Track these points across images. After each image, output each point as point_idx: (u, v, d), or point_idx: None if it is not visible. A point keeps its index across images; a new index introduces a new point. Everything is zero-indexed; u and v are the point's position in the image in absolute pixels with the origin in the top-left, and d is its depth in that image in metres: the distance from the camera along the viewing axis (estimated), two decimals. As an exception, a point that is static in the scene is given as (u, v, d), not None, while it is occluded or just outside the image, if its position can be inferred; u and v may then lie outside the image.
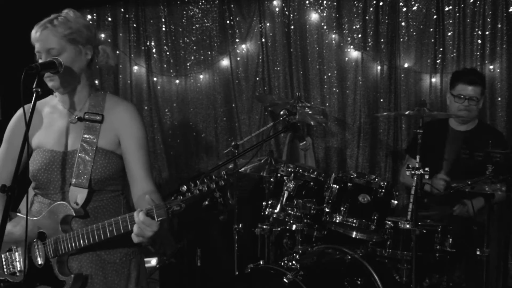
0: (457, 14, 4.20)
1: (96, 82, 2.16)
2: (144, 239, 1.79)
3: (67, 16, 2.00)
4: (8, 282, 2.07)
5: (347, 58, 4.47)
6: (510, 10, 4.11)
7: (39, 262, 1.99)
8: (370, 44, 4.38)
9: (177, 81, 4.80)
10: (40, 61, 1.96)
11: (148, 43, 4.76)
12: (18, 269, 2.05)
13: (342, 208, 3.06)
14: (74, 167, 1.98)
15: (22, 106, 1.85)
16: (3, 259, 2.09)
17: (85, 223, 1.99)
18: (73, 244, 1.91)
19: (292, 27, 4.53)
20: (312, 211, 3.05)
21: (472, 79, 3.50)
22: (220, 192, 1.70)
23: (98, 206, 2.04)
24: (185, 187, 1.71)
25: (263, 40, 4.59)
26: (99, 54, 2.08)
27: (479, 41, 4.17)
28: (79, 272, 1.98)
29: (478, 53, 4.17)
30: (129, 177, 2.07)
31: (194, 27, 4.71)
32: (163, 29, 4.74)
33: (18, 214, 2.12)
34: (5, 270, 2.08)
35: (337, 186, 3.14)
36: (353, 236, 3.25)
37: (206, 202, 1.74)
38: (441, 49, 4.26)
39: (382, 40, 4.36)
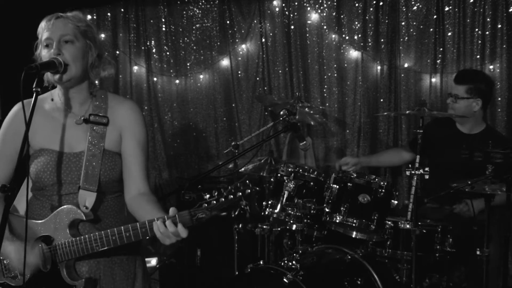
0: (457, 14, 4.20)
1: (96, 82, 2.14)
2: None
3: (77, 13, 2.02)
4: (8, 285, 2.04)
5: (347, 58, 4.47)
6: (510, 10, 4.11)
7: (46, 266, 1.96)
8: (370, 44, 4.39)
9: (177, 81, 4.80)
10: (45, 51, 1.95)
11: (148, 43, 4.76)
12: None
13: (342, 208, 3.06)
14: (82, 170, 1.97)
15: (22, 106, 1.81)
16: (4, 262, 2.04)
17: (92, 226, 1.99)
18: (85, 248, 1.89)
19: (292, 27, 4.53)
20: (312, 211, 3.05)
21: (458, 77, 3.57)
22: (246, 201, 1.66)
23: (104, 207, 2.04)
24: (208, 195, 1.68)
25: (263, 40, 4.59)
26: (102, 60, 2.06)
27: (479, 41, 4.17)
28: (89, 276, 1.97)
29: (478, 53, 4.17)
30: (126, 175, 2.06)
31: (194, 27, 4.72)
32: (163, 29, 4.74)
33: (17, 215, 2.08)
34: (4, 273, 2.04)
35: (337, 186, 3.14)
36: (353, 236, 3.25)
37: (236, 213, 1.69)
38: (441, 49, 4.26)
39: (382, 40, 4.36)
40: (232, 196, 1.66)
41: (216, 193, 1.69)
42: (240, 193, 1.66)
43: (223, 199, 1.67)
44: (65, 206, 1.96)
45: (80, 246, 1.90)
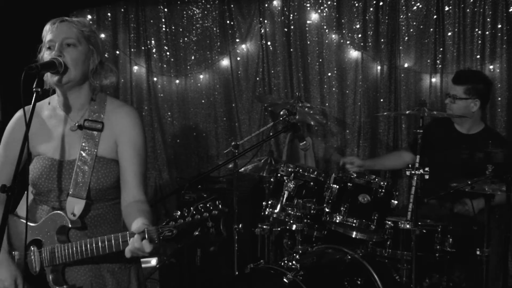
0: (457, 14, 4.20)
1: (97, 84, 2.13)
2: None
3: (83, 19, 2.03)
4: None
5: (347, 58, 4.46)
6: (510, 10, 4.11)
7: (35, 269, 1.96)
8: (370, 44, 4.38)
9: (177, 81, 4.80)
10: (47, 53, 1.95)
11: (148, 43, 4.76)
12: None
13: (342, 208, 3.07)
14: (72, 177, 1.96)
15: (22, 107, 1.81)
16: None
17: (83, 234, 1.97)
18: (67, 255, 1.89)
19: (292, 27, 4.53)
20: (312, 211, 3.04)
21: (456, 78, 3.58)
22: (213, 222, 1.66)
23: (97, 215, 2.02)
24: (179, 212, 1.68)
25: (263, 40, 4.59)
26: (103, 67, 2.05)
27: (479, 41, 4.16)
28: (73, 284, 1.96)
29: (478, 53, 4.17)
30: (122, 182, 2.02)
31: (194, 27, 4.72)
32: (163, 29, 4.74)
33: (15, 215, 2.09)
34: None
35: (337, 186, 3.14)
36: (353, 236, 3.25)
37: (197, 232, 1.69)
38: (441, 49, 4.26)
39: (382, 40, 4.36)
40: (199, 216, 1.66)
41: (186, 212, 1.68)
42: (207, 214, 1.65)
43: (190, 219, 1.66)
44: (55, 212, 1.96)
45: (63, 252, 1.89)
